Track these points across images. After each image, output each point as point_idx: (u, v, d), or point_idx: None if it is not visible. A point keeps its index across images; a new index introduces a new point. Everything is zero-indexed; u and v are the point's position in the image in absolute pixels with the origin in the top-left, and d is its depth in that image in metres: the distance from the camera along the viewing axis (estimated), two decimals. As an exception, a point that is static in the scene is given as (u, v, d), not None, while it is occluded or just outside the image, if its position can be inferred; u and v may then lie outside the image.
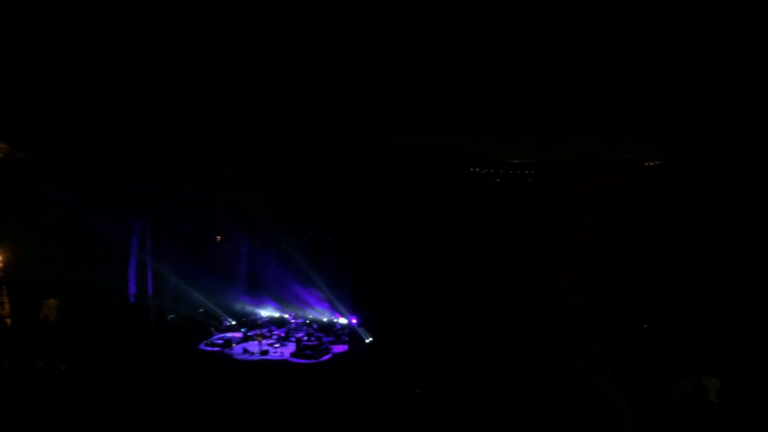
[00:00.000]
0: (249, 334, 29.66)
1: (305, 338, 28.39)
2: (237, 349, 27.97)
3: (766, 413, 15.00)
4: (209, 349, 28.23)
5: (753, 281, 15.71)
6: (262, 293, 32.61)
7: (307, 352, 26.83)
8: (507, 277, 30.31)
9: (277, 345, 28.39)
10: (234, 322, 31.35)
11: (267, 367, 25.96)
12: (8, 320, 27.25)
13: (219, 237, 33.93)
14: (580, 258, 23.11)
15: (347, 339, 28.81)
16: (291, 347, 27.95)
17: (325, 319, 31.21)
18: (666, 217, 18.71)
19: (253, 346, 28.02)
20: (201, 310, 31.21)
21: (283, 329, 30.42)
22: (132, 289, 29.91)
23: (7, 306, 27.34)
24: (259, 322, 31.51)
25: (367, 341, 28.25)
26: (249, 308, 32.49)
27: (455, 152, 41.28)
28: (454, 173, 40.23)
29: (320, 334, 29.16)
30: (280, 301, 32.47)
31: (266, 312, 32.48)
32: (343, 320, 30.59)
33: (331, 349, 27.83)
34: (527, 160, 38.92)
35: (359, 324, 29.30)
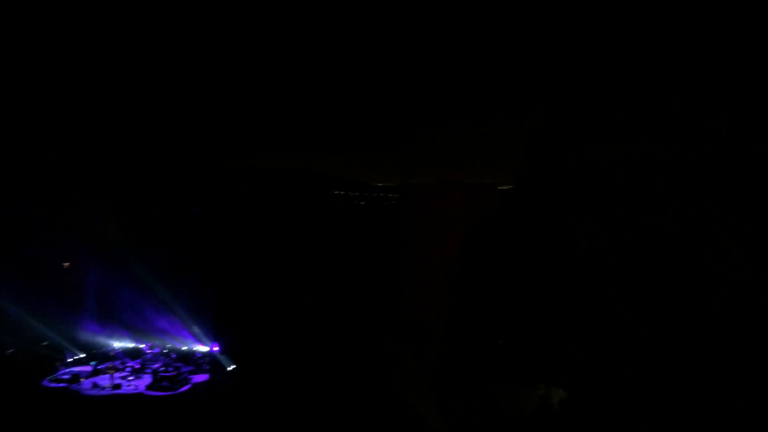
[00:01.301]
0: (99, 367, 27.60)
1: (162, 369, 26.92)
2: (85, 384, 25.95)
3: (600, 417, 16.21)
4: (54, 385, 25.97)
5: (594, 302, 16.91)
6: (114, 322, 30.60)
7: (164, 383, 25.44)
8: (371, 298, 30.75)
9: (131, 378, 26.64)
10: (83, 355, 29.12)
11: (119, 402, 24.31)
12: None
13: (67, 263, 31.58)
14: (440, 278, 23.87)
15: (208, 368, 27.68)
16: (147, 379, 26.36)
17: (184, 348, 29.77)
18: (516, 239, 19.76)
19: (104, 380, 26.13)
20: (45, 343, 28.71)
21: (137, 360, 28.64)
22: (-36, 323, 27.13)
23: None
24: (111, 353, 29.47)
25: (229, 369, 27.36)
26: (100, 339, 30.34)
27: (320, 175, 41.45)
28: (320, 196, 40.38)
29: (179, 364, 27.75)
30: (134, 331, 30.60)
31: (119, 343, 30.48)
32: (203, 348, 29.38)
33: (191, 379, 26.56)
34: (390, 183, 39.89)
35: (221, 351, 28.35)
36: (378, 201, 39.14)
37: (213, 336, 29.27)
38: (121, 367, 27.83)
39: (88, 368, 27.61)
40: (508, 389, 20.66)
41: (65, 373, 26.94)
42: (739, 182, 14.28)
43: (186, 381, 26.21)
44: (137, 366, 27.92)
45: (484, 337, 21.24)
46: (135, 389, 25.51)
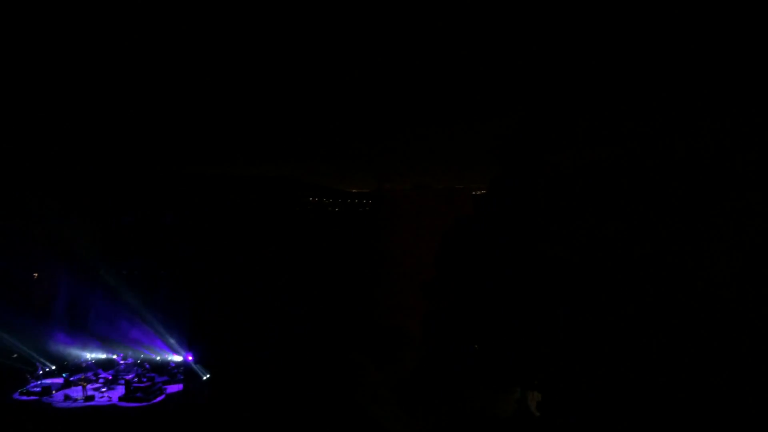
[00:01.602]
0: (71, 379, 27.15)
1: (135, 380, 26.57)
2: (57, 396, 25.51)
3: (576, 421, 16.45)
4: (25, 398, 25.49)
5: (568, 305, 17.17)
6: (86, 333, 30.14)
7: (138, 394, 25.11)
8: (347, 304, 30.76)
9: (103, 389, 26.26)
10: (54, 367, 28.63)
11: (92, 414, 23.96)
12: None
13: (36, 274, 31.10)
14: (415, 283, 23.97)
15: (183, 378, 27.41)
16: (120, 390, 25.98)
17: (158, 358, 29.44)
18: (490, 243, 19.97)
19: (77, 392, 25.71)
20: (15, 355, 28.19)
21: (110, 371, 28.24)
22: (-69, 336, 26.59)
23: None
24: (84, 365, 29.00)
25: (204, 378, 27.13)
26: (71, 350, 29.85)
27: (294, 182, 41.45)
28: (294, 202, 40.33)
29: (153, 375, 27.41)
30: (107, 341, 30.18)
31: (91, 354, 30.02)
32: (178, 358, 29.09)
33: (165, 389, 26.26)
34: (364, 189, 40.05)
35: (196, 361, 28.07)
36: (352, 207, 39.24)
37: (187, 345, 29.00)
38: (93, 378, 27.40)
39: (59, 380, 27.12)
40: (485, 393, 20.83)
41: (36, 386, 26.46)
42: (714, 188, 14.63)
43: (160, 391, 25.90)
44: (110, 377, 27.52)
45: (460, 342, 21.39)
46: (108, 401, 25.15)
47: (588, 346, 16.89)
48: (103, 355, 30.01)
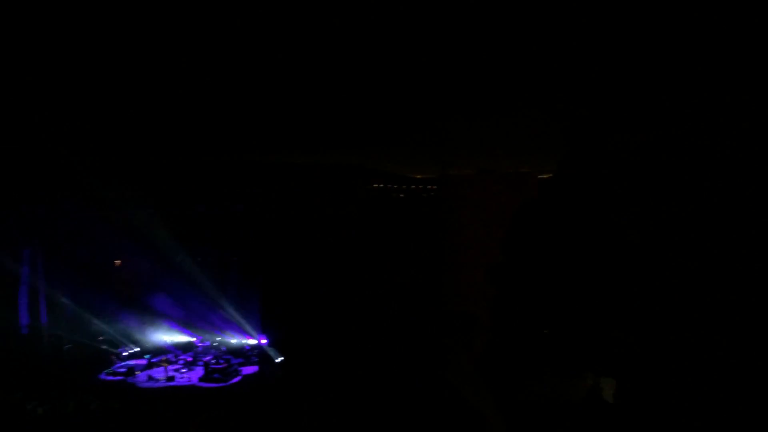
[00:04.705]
0: (153, 360, 28.62)
1: (213, 361, 27.76)
2: (141, 376, 26.94)
3: (655, 410, 16.22)
4: (111, 378, 27.01)
5: (641, 286, 16.93)
6: (166, 317, 31.57)
7: (216, 375, 26.26)
8: (413, 291, 31.01)
9: (183, 370, 27.62)
10: (137, 349, 30.19)
11: (173, 393, 25.18)
12: None
13: (118, 261, 32.66)
14: (482, 269, 23.96)
15: (257, 360, 28.44)
16: (199, 371, 27.25)
17: (233, 341, 30.66)
18: (558, 227, 19.83)
19: (159, 373, 27.09)
20: (101, 338, 29.83)
21: (189, 353, 29.60)
22: (24, 320, 28.33)
23: None
24: (165, 347, 30.47)
25: (277, 361, 28.02)
26: (152, 333, 31.36)
27: (358, 169, 41.88)
28: (358, 189, 40.79)
29: (229, 357, 28.60)
30: (186, 325, 31.59)
31: (171, 337, 31.47)
32: (252, 341, 30.18)
33: (241, 371, 27.35)
34: (429, 175, 40.08)
35: (269, 344, 29.03)
36: (417, 193, 39.43)
37: (261, 329, 29.97)
38: (174, 360, 28.79)
39: (142, 362, 28.61)
40: (555, 379, 20.72)
41: (121, 367, 28.01)
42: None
43: (236, 373, 26.99)
44: (189, 359, 28.83)
45: (528, 327, 21.33)
46: (188, 381, 26.40)
47: (664, 333, 16.60)
48: (182, 338, 31.43)
